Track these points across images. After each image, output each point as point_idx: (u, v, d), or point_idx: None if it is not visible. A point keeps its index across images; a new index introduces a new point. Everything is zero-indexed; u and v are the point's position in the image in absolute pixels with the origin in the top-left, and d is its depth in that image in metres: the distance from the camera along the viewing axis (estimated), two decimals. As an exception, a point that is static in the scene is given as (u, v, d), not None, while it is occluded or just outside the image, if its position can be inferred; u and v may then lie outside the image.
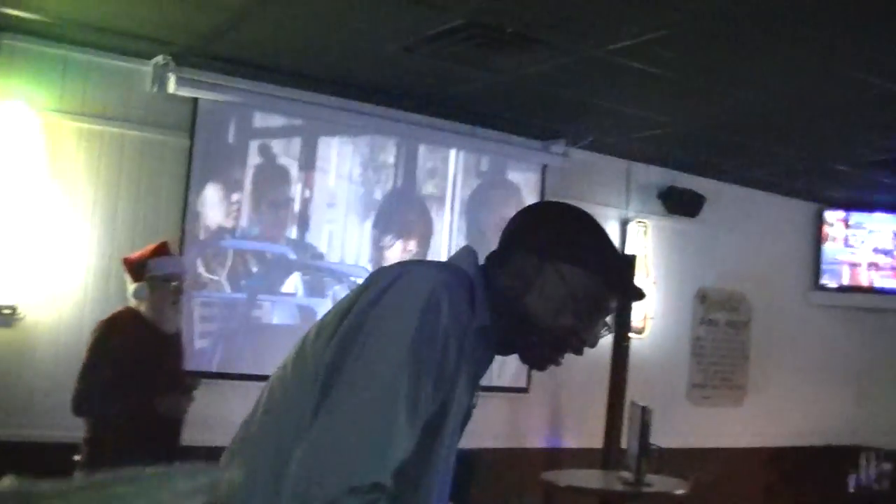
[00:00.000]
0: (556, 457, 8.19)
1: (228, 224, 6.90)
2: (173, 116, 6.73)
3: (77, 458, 4.99)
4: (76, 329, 5.40)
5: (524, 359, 2.23)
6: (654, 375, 8.71)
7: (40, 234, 6.28)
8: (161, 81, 6.61)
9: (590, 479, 7.12)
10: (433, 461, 2.08)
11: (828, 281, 9.91)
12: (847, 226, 9.87)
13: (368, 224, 7.47)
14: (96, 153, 6.51)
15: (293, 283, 7.18)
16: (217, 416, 6.51)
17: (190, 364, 6.31)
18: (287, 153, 7.16)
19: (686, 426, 8.84)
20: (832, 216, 9.90)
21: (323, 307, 7.15)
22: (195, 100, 6.72)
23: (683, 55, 5.74)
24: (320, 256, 7.30)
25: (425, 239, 7.70)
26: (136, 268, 5.22)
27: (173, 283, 5.25)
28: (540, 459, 8.05)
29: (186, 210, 6.72)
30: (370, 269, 7.36)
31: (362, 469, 1.87)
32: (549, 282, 2.16)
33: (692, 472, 7.18)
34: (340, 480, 1.85)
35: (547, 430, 8.36)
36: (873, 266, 9.78)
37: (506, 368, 7.90)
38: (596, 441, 8.14)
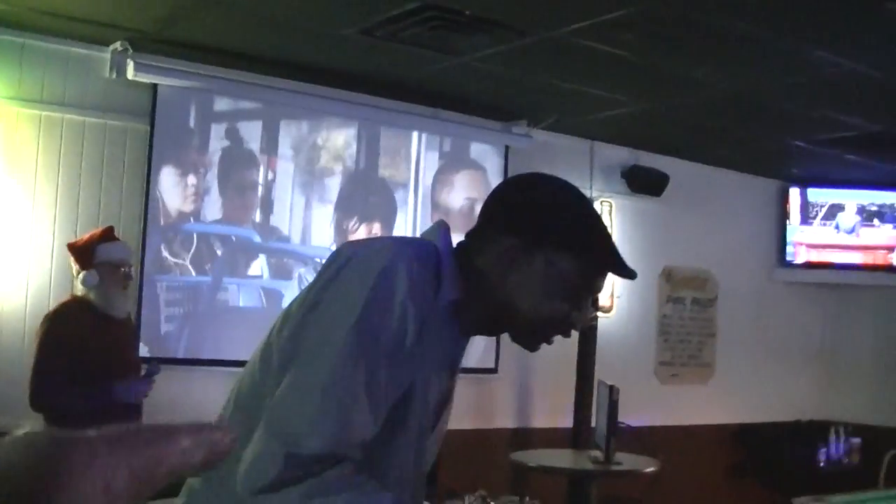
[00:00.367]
0: (525, 437, 8.24)
1: (191, 208, 6.90)
2: (133, 102, 6.71)
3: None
4: (40, 317, 5.41)
5: (514, 339, 2.16)
6: (622, 354, 8.76)
7: (1, 223, 6.28)
8: (119, 68, 6.59)
9: (559, 458, 7.18)
10: (397, 446, 2.00)
11: (792, 258, 10.00)
12: (810, 203, 9.95)
13: (331, 207, 7.49)
14: (56, 141, 6.49)
15: (259, 266, 7.18)
16: (184, 402, 6.55)
17: (156, 349, 6.32)
18: (248, 137, 7.15)
19: (654, 404, 8.90)
20: (795, 193, 9.97)
21: (289, 289, 7.20)
22: (154, 85, 6.71)
23: (643, 36, 5.74)
24: (285, 239, 7.30)
25: (389, 221, 7.70)
26: (84, 254, 5.21)
27: (122, 269, 5.26)
28: (509, 439, 8.11)
29: (148, 195, 6.71)
30: (335, 250, 7.36)
31: (303, 439, 1.82)
32: (536, 268, 2.06)
33: (661, 450, 7.26)
34: (281, 446, 1.82)
35: (516, 410, 8.43)
36: (837, 243, 9.89)
37: (473, 349, 7.89)
38: (565, 420, 8.19)
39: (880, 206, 9.77)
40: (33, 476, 0.88)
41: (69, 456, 0.93)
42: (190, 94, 6.93)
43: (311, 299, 1.98)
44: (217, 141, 7.03)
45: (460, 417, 7.74)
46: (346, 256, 2.01)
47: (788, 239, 9.98)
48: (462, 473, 7.62)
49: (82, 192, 6.58)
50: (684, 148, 8.97)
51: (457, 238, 2.17)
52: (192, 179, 6.90)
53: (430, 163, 7.97)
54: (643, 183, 8.92)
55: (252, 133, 7.18)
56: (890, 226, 9.75)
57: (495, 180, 8.14)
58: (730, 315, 9.80)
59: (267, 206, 7.23)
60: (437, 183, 7.99)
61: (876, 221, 9.77)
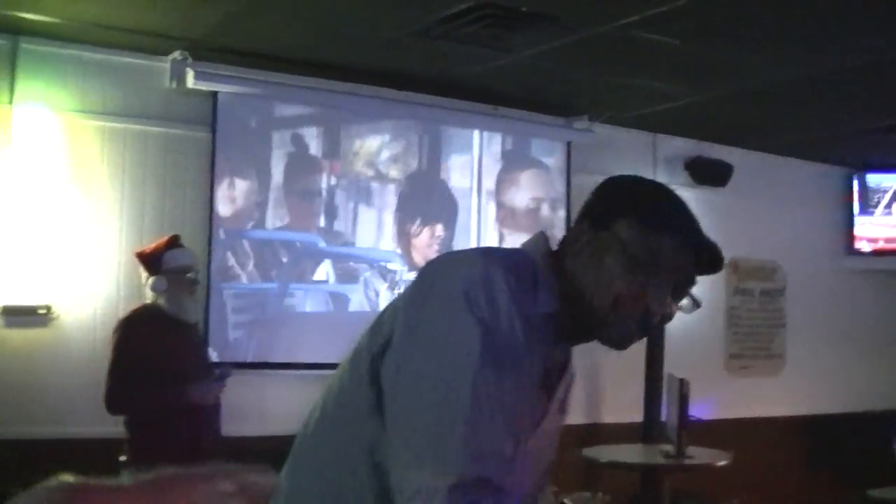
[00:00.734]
0: (595, 432, 8.18)
1: (255, 215, 6.91)
2: (193, 111, 6.76)
3: (122, 458, 5.06)
4: (110, 325, 5.45)
5: (602, 340, 2.06)
6: (691, 347, 8.62)
7: (70, 234, 6.35)
8: (179, 77, 6.64)
9: (630, 453, 7.12)
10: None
11: (861, 245, 9.85)
12: (873, 188, 9.79)
13: (394, 210, 7.46)
14: (120, 152, 6.55)
15: (324, 271, 7.17)
16: (254, 407, 6.61)
17: (225, 355, 6.36)
18: (310, 142, 7.16)
19: (724, 397, 8.78)
20: (863, 180, 9.83)
21: (354, 293, 7.21)
22: (214, 93, 6.74)
23: (700, 25, 5.68)
24: (350, 243, 7.28)
25: (451, 222, 7.67)
26: (152, 262, 5.29)
27: (188, 275, 5.32)
28: (579, 435, 8.06)
29: (212, 203, 6.75)
30: (399, 253, 7.43)
31: (464, 469, 1.74)
32: (610, 254, 1.99)
33: (732, 443, 7.17)
34: (442, 479, 1.73)
35: (585, 406, 8.37)
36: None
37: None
38: (635, 415, 8.13)
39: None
40: None
41: None
42: (250, 100, 6.94)
43: (410, 320, 1.89)
44: (279, 147, 7.04)
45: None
46: (437, 272, 1.96)
47: (855, 226, 9.84)
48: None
49: (147, 201, 6.63)
50: (747, 137, 8.85)
51: (522, 239, 2.13)
52: (255, 186, 6.91)
53: (491, 162, 7.91)
54: (707, 174, 8.82)
55: (313, 138, 7.18)
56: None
57: (558, 177, 8.11)
58: (799, 305, 9.64)
59: (330, 210, 7.22)
60: (501, 182, 7.94)
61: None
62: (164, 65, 6.67)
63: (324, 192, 7.21)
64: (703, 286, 7.37)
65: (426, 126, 7.61)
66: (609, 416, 8.39)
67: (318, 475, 2.01)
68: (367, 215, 7.36)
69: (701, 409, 7.20)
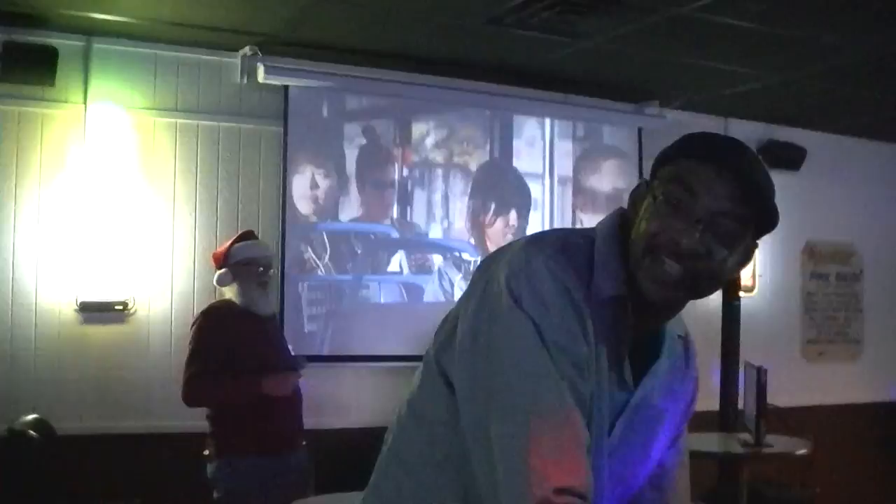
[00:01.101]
0: (671, 421, 8.10)
1: (328, 207, 6.91)
2: (265, 105, 6.78)
3: (206, 452, 5.09)
4: (186, 320, 5.49)
5: (646, 293, 1.80)
6: (767, 333, 8.52)
7: (145, 231, 6.41)
8: (250, 72, 6.68)
9: (707, 442, 7.01)
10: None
11: (939, 227, 9.64)
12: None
13: (467, 199, 7.43)
14: (192, 147, 6.60)
15: (398, 262, 7.17)
16: (330, 400, 6.63)
17: (300, 348, 6.36)
18: (381, 133, 7.14)
19: (802, 383, 8.65)
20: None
21: (429, 284, 7.21)
22: (285, 87, 6.76)
23: (771, 6, 5.56)
24: (423, 234, 7.28)
25: (524, 211, 7.59)
26: (220, 256, 5.32)
27: (259, 267, 5.31)
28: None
29: (285, 197, 6.77)
30: (473, 243, 7.41)
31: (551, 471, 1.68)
32: (643, 194, 1.86)
33: (810, 431, 7.06)
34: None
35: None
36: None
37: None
38: (711, 403, 8.03)
39: None
40: None
41: None
42: (321, 93, 6.95)
43: (470, 326, 1.83)
44: (350, 138, 7.03)
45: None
46: (486, 270, 1.88)
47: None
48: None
49: (220, 196, 6.67)
50: (820, 119, 8.68)
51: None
52: (327, 178, 6.91)
53: (563, 149, 7.82)
54: (780, 157, 8.66)
55: (385, 129, 7.16)
56: None
57: (630, 163, 8.04)
58: (876, 288, 9.47)
59: (403, 201, 7.21)
60: (574, 169, 7.86)
61: None
62: (235, 60, 6.70)
63: (396, 183, 7.20)
64: (778, 272, 7.37)
65: (497, 114, 7.57)
66: (685, 404, 8.29)
67: (405, 474, 1.97)
68: (439, 205, 7.34)
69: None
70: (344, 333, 6.94)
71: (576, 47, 6.48)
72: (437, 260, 7.28)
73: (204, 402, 5.08)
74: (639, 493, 2.04)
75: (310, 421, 5.44)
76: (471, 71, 7.14)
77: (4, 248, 6.11)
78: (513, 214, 7.52)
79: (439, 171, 7.37)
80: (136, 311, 6.38)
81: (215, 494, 5.02)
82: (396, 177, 7.19)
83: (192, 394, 5.00)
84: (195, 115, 6.61)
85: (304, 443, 5.28)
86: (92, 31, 6.25)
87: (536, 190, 7.68)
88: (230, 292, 5.26)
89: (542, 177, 7.71)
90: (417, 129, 7.28)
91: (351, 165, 7.00)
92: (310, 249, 6.83)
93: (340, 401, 6.78)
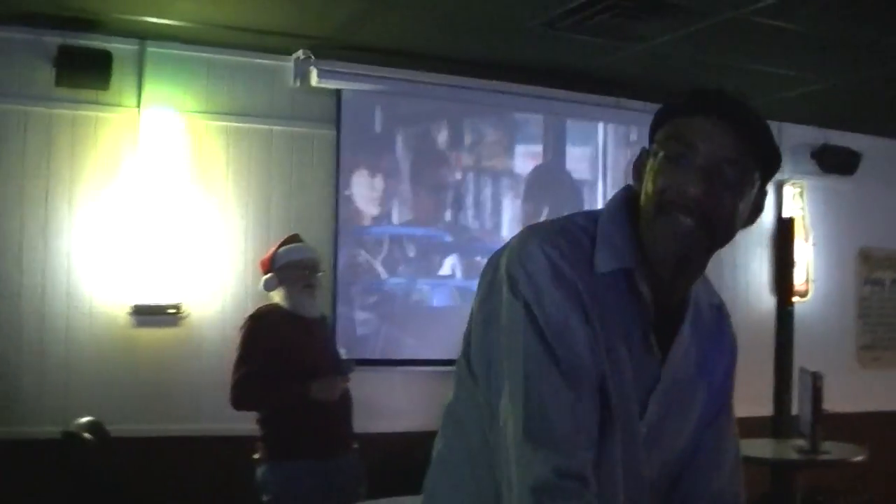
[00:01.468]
0: (723, 427, 8.02)
1: (381, 211, 6.89)
2: (318, 109, 6.77)
3: (256, 456, 5.07)
4: (239, 323, 5.48)
5: (660, 250, 1.80)
6: (821, 339, 8.37)
7: (198, 234, 6.40)
8: (303, 75, 6.66)
9: (761, 448, 6.92)
10: (605, 451, 1.77)
11: None
12: None
13: (520, 203, 7.37)
14: (245, 151, 6.60)
15: (450, 265, 7.14)
16: (382, 403, 6.59)
17: (353, 351, 6.33)
18: (434, 136, 7.11)
19: (857, 390, 8.51)
20: None
21: (482, 288, 7.15)
22: (338, 91, 6.74)
23: (827, 10, 5.48)
24: (476, 237, 7.22)
25: (577, 211, 7.50)
26: (268, 262, 5.29)
27: (304, 270, 5.28)
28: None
29: (338, 200, 6.75)
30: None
31: (546, 448, 1.70)
32: (647, 159, 1.85)
33: (866, 438, 6.95)
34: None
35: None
36: None
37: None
38: (764, 409, 7.94)
39: None
40: None
41: None
42: (374, 97, 6.91)
43: (479, 317, 1.89)
44: (404, 142, 7.00)
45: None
46: (492, 262, 1.91)
47: None
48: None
49: (272, 200, 6.65)
50: (876, 123, 8.56)
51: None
52: (380, 182, 6.89)
53: (616, 153, 7.75)
54: (835, 162, 8.55)
55: (438, 132, 7.13)
56: None
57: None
58: (933, 295, 9.34)
59: (456, 204, 7.16)
60: (627, 174, 7.77)
61: None
62: (288, 64, 6.68)
63: (449, 187, 7.15)
64: (832, 278, 7.22)
65: (550, 118, 7.52)
66: (737, 409, 8.16)
67: (451, 480, 1.99)
68: (492, 209, 7.29)
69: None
70: (396, 337, 6.92)
71: (630, 51, 6.41)
72: (490, 264, 7.20)
73: (251, 406, 5.05)
74: (683, 472, 2.02)
75: (361, 425, 5.39)
76: (524, 75, 7.09)
77: (59, 252, 6.12)
78: (564, 214, 7.45)
79: (493, 175, 7.33)
80: (188, 314, 6.38)
81: (264, 498, 4.99)
82: (450, 180, 7.15)
83: (240, 397, 4.98)
84: (248, 118, 6.60)
85: (355, 446, 5.23)
86: (146, 35, 6.25)
87: (590, 194, 7.62)
88: (277, 296, 5.24)
89: (595, 181, 7.64)
90: (470, 132, 7.24)
91: (404, 169, 6.97)
92: (363, 252, 6.81)
93: (392, 405, 6.74)
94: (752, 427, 7.73)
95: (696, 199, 1.74)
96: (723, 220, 1.78)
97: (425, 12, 5.82)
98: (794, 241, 8.16)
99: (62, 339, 6.11)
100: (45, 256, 6.11)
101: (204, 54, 6.49)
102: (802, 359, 7.47)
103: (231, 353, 5.11)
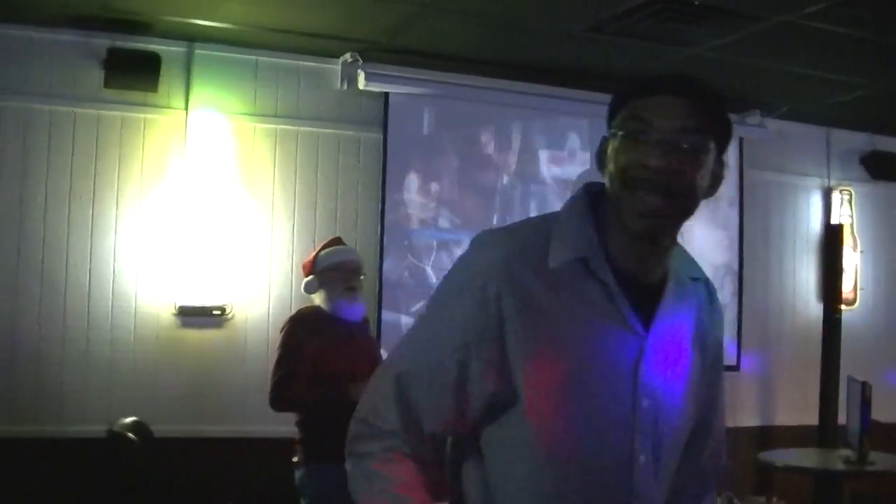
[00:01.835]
0: (768, 435, 7.93)
1: (428, 214, 6.85)
2: (365, 112, 6.76)
3: (294, 459, 5.05)
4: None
5: (630, 226, 1.86)
6: (869, 347, 8.23)
7: (244, 236, 6.40)
8: (350, 78, 6.65)
9: (807, 457, 6.82)
10: (569, 424, 1.86)
11: None
12: None
13: (566, 206, 7.31)
14: (291, 153, 6.59)
15: (497, 271, 7.06)
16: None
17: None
18: (482, 141, 7.05)
19: (904, 399, 8.46)
20: None
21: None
22: (385, 94, 6.72)
23: (882, 13, 5.39)
24: (523, 242, 7.16)
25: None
26: (309, 265, 5.27)
27: (346, 273, 5.25)
28: (753, 438, 7.83)
29: (384, 203, 6.72)
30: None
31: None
32: (609, 144, 1.90)
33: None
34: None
35: (759, 407, 8.12)
36: None
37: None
38: (810, 418, 7.84)
39: None
40: None
41: None
42: (421, 100, 6.88)
43: None
44: (451, 146, 6.95)
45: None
46: None
47: None
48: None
49: (318, 202, 6.64)
50: (925, 130, 8.50)
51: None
52: (427, 185, 6.85)
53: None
54: (884, 168, 8.43)
55: (485, 137, 7.08)
56: None
57: (731, 173, 7.89)
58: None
59: (504, 209, 7.10)
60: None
61: None
62: (335, 67, 6.67)
63: (496, 191, 7.10)
64: (881, 286, 7.07)
65: (596, 123, 7.46)
66: (782, 419, 8.11)
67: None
68: (539, 212, 7.21)
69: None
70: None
71: (679, 55, 6.35)
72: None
73: (290, 408, 5.03)
74: (683, 450, 2.07)
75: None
76: (571, 79, 7.04)
77: (106, 251, 6.14)
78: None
79: (540, 180, 7.27)
80: (233, 316, 6.38)
81: (302, 501, 4.97)
82: (497, 185, 7.10)
83: (278, 398, 4.96)
84: (295, 121, 6.60)
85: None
86: (194, 37, 6.26)
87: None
88: (318, 299, 5.21)
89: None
90: (518, 137, 7.18)
91: (451, 173, 6.94)
92: (409, 257, 6.78)
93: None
94: (798, 436, 7.68)
95: (657, 171, 1.81)
96: (684, 189, 1.85)
97: (472, 16, 5.79)
98: (842, 248, 8.04)
99: (107, 338, 6.12)
100: (91, 256, 6.13)
101: (251, 57, 6.50)
102: (849, 367, 7.37)
103: (275, 356, 5.11)
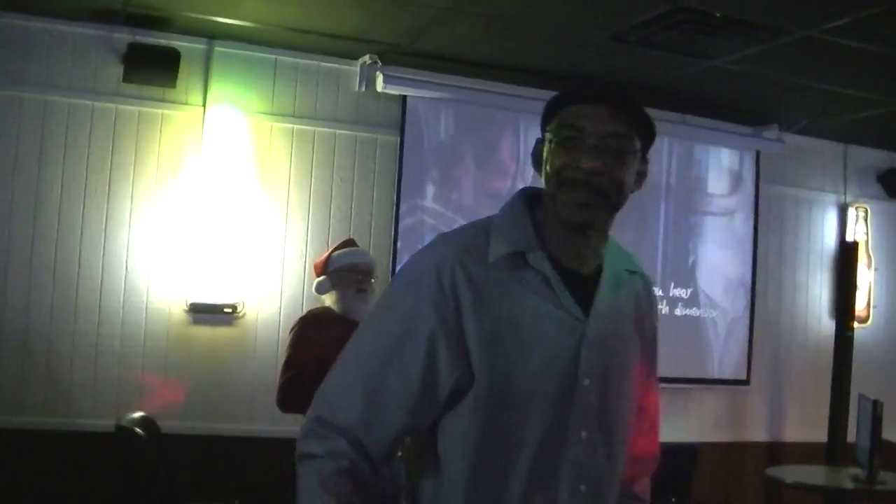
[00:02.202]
0: (777, 451, 7.91)
1: (443, 218, 6.80)
2: (382, 114, 6.75)
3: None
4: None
5: (565, 221, 2.07)
6: (881, 365, 8.17)
7: (258, 235, 6.39)
8: (369, 80, 6.64)
9: (816, 475, 6.79)
10: (507, 422, 2.00)
11: None
12: None
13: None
14: (308, 154, 6.58)
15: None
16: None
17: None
18: (498, 146, 7.02)
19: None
20: None
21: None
22: (403, 97, 6.70)
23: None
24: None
25: (640, 226, 7.42)
26: (321, 265, 5.26)
27: (358, 275, 5.24)
28: (761, 453, 7.81)
29: (399, 206, 6.70)
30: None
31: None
32: (543, 147, 2.13)
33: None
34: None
35: (768, 423, 8.09)
36: None
37: (727, 360, 7.69)
38: (819, 434, 7.82)
39: None
40: None
41: None
42: (439, 104, 6.85)
43: None
44: (467, 150, 6.92)
45: (713, 430, 7.56)
46: None
47: None
48: (716, 487, 7.41)
49: (333, 203, 6.62)
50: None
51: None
52: (442, 190, 6.82)
53: (680, 168, 7.66)
54: (900, 186, 8.46)
55: (502, 142, 7.04)
56: None
57: (748, 185, 7.87)
58: None
59: (519, 214, 7.06)
60: (690, 190, 7.74)
61: None
62: (354, 69, 6.67)
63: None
64: (894, 303, 6.99)
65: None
66: (791, 435, 8.08)
67: None
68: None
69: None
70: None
71: (698, 66, 6.33)
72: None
73: (297, 408, 4.99)
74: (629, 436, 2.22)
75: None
76: (590, 87, 7.02)
77: (119, 246, 6.14)
78: (628, 231, 7.35)
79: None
80: (244, 314, 6.38)
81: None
82: (512, 190, 7.01)
83: (286, 399, 4.95)
84: (312, 121, 6.59)
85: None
86: (214, 34, 6.26)
87: (652, 209, 7.51)
88: (329, 299, 5.19)
89: (658, 194, 7.54)
90: (534, 143, 7.13)
91: (467, 177, 6.91)
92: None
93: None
94: (806, 452, 7.65)
95: (589, 172, 2.01)
96: (615, 185, 2.05)
97: (492, 21, 5.77)
98: (856, 265, 8.01)
99: (118, 333, 6.12)
100: (104, 250, 6.12)
101: (271, 56, 6.49)
102: (860, 385, 7.34)
103: (284, 356, 5.10)
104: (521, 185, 6.88)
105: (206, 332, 6.29)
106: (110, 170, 6.15)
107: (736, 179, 7.85)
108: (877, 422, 6.25)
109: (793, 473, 6.67)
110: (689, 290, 7.60)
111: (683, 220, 7.63)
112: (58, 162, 6.06)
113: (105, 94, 6.14)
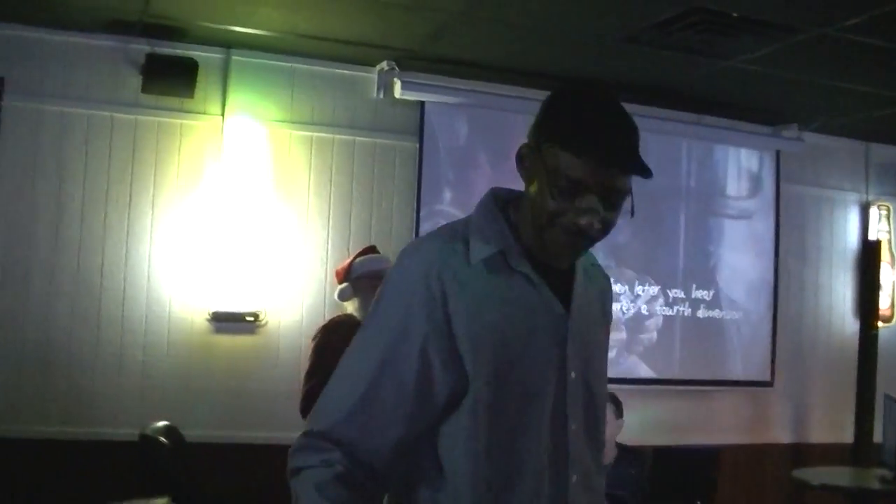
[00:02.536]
0: (802, 452, 7.87)
1: (464, 225, 6.82)
2: (401, 120, 6.76)
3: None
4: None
5: (562, 254, 2.04)
6: (905, 365, 8.27)
7: (278, 243, 6.40)
8: (386, 87, 6.67)
9: (841, 476, 6.75)
10: (502, 413, 1.98)
11: None
12: None
13: (601, 219, 7.23)
14: (327, 161, 6.60)
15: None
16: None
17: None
18: (513, 150, 6.93)
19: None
20: None
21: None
22: (421, 103, 6.72)
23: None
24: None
25: (657, 230, 7.39)
26: (343, 273, 5.27)
27: (381, 281, 5.22)
28: (786, 455, 7.78)
29: (419, 212, 6.72)
30: (606, 262, 7.23)
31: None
32: (536, 167, 2.01)
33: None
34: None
35: (792, 424, 8.06)
36: None
37: (750, 362, 7.66)
38: (844, 436, 7.78)
39: None
40: None
41: None
42: (457, 110, 6.86)
43: None
44: (487, 155, 6.92)
45: (736, 432, 7.53)
46: None
47: None
48: (740, 490, 7.38)
49: (353, 210, 6.64)
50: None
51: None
52: (462, 195, 6.81)
53: (699, 170, 7.65)
54: (923, 184, 8.42)
55: (521, 146, 7.05)
56: None
57: (768, 186, 7.85)
58: None
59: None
60: (709, 191, 7.74)
61: None
62: (372, 75, 6.68)
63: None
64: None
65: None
66: (816, 436, 8.04)
67: None
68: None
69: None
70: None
71: (715, 67, 6.32)
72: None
73: None
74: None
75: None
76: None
77: (141, 257, 6.17)
78: (647, 234, 7.35)
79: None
80: (266, 322, 6.39)
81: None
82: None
83: (310, 408, 4.96)
84: (331, 128, 6.61)
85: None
86: (231, 43, 6.29)
87: (672, 211, 7.49)
88: (351, 307, 5.20)
89: (677, 197, 7.52)
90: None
91: (486, 182, 6.90)
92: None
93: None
94: (832, 453, 7.62)
95: (586, 229, 1.94)
96: (604, 230, 1.98)
97: (508, 25, 5.77)
98: (879, 264, 7.98)
99: (140, 343, 6.15)
100: (126, 260, 6.15)
101: (288, 64, 6.51)
102: (885, 385, 7.31)
103: (307, 364, 5.12)
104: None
105: (228, 341, 6.32)
106: (131, 180, 6.18)
107: (756, 180, 7.82)
108: (904, 423, 6.23)
109: (819, 475, 6.64)
110: (712, 292, 7.57)
111: (704, 221, 7.62)
112: (78, 173, 6.09)
113: (124, 105, 6.17)
